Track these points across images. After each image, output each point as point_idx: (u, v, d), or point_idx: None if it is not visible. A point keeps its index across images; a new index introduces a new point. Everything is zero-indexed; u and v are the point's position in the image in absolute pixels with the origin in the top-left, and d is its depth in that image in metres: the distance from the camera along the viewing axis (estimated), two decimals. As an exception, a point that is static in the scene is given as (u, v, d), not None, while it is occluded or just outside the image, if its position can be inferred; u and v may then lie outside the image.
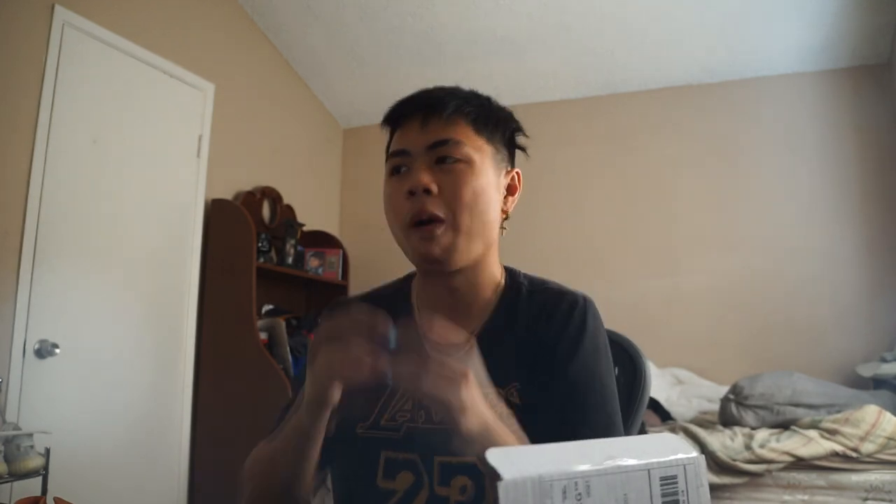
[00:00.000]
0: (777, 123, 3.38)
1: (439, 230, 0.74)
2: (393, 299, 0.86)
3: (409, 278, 0.90)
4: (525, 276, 0.86)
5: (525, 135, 0.88)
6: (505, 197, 0.83)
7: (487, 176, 0.78)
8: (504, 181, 0.83)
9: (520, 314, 0.80)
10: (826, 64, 3.27)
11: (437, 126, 0.77)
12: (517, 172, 0.85)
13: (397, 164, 0.78)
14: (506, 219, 0.84)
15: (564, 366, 0.75)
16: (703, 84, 3.52)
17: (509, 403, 0.73)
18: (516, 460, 0.40)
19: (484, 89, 0.85)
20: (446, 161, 0.75)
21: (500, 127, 0.83)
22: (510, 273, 0.86)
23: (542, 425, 0.69)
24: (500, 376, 0.74)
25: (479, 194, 0.75)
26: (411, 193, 0.74)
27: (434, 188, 0.74)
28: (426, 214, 0.73)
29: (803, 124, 3.33)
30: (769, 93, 3.40)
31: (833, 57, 3.21)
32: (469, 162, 0.76)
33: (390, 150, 0.80)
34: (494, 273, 0.83)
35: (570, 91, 3.73)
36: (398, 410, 0.76)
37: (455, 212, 0.74)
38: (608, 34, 3.19)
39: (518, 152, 0.89)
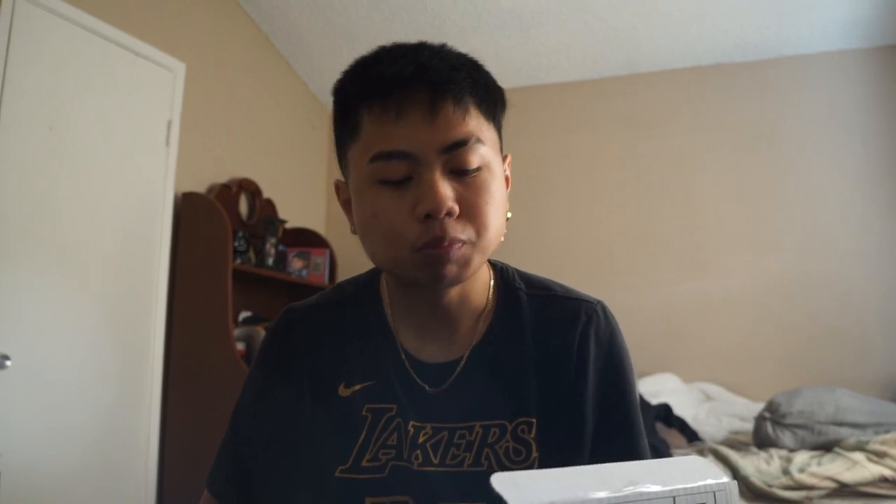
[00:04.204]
0: (819, 106, 3.38)
1: (458, 252, 0.66)
2: (360, 308, 0.81)
3: (374, 279, 0.83)
4: (519, 275, 0.82)
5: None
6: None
7: (500, 175, 0.71)
8: (505, 172, 0.76)
9: (524, 330, 0.76)
10: (874, 40, 3.26)
11: (452, 118, 0.65)
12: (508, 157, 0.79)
13: (398, 171, 0.65)
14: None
15: (599, 399, 0.74)
16: (735, 63, 3.52)
17: (518, 440, 0.71)
18: (525, 486, 0.40)
19: (488, 69, 0.75)
20: (468, 173, 0.66)
21: (500, 103, 0.73)
22: (501, 273, 0.81)
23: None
24: (503, 408, 0.73)
25: (498, 203, 0.69)
26: (429, 217, 0.64)
27: (457, 209, 0.65)
28: (449, 240, 0.65)
29: (849, 107, 3.33)
30: (810, 72, 3.40)
31: (882, 32, 3.21)
32: (488, 167, 0.68)
33: (380, 150, 0.65)
34: (483, 275, 0.79)
35: (585, 71, 3.73)
36: (381, 447, 0.72)
37: (479, 232, 0.67)
38: (628, 6, 3.19)
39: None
